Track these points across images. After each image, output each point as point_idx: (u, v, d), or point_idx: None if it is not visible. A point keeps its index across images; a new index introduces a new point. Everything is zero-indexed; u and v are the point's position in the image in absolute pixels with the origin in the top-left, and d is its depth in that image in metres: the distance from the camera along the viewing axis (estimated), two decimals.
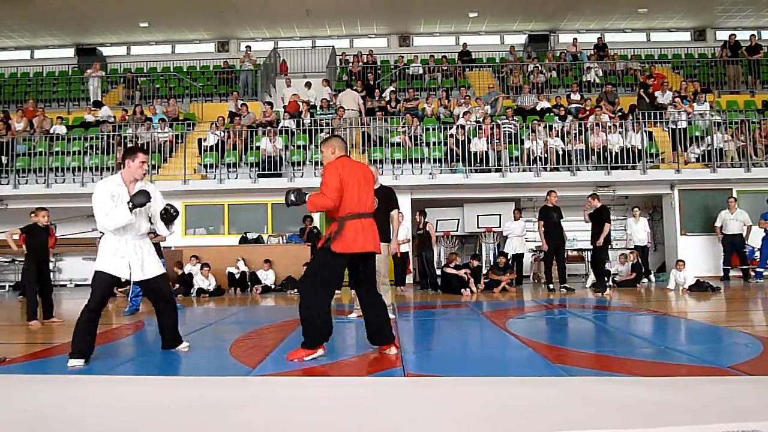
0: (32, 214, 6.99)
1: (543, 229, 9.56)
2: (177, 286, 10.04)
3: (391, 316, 6.22)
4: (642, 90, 13.88)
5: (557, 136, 11.88)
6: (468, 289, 9.36)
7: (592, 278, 10.35)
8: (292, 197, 4.04)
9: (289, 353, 4.07)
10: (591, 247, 9.41)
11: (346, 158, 4.16)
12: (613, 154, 11.58)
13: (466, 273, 9.62)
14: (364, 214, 4.03)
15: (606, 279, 9.22)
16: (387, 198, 5.99)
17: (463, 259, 10.67)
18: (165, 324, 4.45)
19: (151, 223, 4.42)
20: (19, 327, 6.67)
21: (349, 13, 16.89)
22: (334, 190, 3.91)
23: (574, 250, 12.37)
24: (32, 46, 18.54)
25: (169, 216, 4.42)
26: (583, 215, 9.44)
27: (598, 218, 9.02)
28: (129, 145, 12.31)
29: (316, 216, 11.53)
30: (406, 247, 10.69)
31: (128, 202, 4.00)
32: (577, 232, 11.95)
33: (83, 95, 15.96)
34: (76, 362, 3.94)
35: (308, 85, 14.79)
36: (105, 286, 4.15)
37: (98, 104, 14.49)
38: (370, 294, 4.25)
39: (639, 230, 11.05)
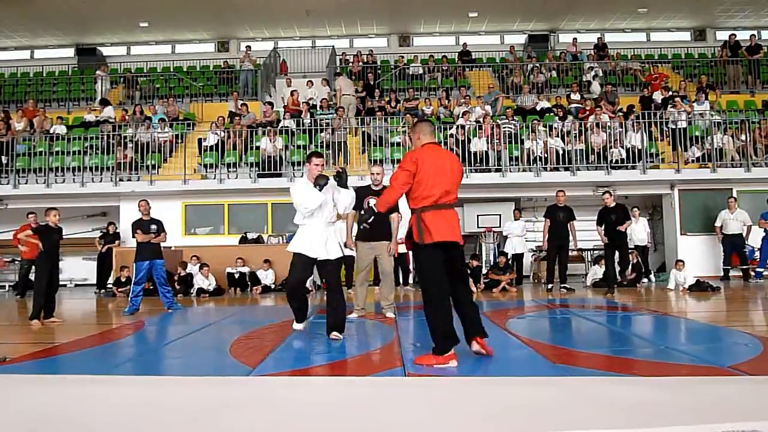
0: (44, 214, 7.03)
1: (547, 227, 9.56)
2: (177, 286, 10.05)
3: (390, 315, 6.22)
4: (645, 90, 13.88)
5: (557, 136, 11.88)
6: None
7: (592, 277, 10.36)
8: (366, 217, 4.17)
9: (418, 358, 3.87)
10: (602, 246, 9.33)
11: (432, 146, 3.99)
12: (614, 155, 11.60)
13: None
14: (444, 206, 3.84)
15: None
16: None
17: None
18: (329, 311, 4.95)
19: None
20: (19, 327, 6.67)
21: (349, 13, 16.88)
22: (399, 188, 3.84)
23: (574, 250, 12.34)
24: (32, 46, 18.52)
25: (341, 179, 4.97)
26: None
27: (622, 216, 9.08)
28: (129, 145, 12.35)
29: None
30: (404, 248, 10.67)
31: (314, 185, 4.81)
32: (577, 231, 11.91)
33: (83, 95, 15.97)
34: (297, 326, 5.26)
35: (310, 83, 14.79)
36: (301, 264, 4.98)
37: (105, 102, 14.43)
38: (458, 289, 3.95)
39: (639, 230, 11.03)
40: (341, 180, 4.95)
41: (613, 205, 9.24)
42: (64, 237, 7.16)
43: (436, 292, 3.77)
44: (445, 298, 3.79)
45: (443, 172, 3.85)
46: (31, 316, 6.56)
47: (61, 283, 12.56)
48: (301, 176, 5.15)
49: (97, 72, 15.83)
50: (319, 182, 4.83)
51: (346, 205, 5.07)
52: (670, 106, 12.58)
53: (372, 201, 5.26)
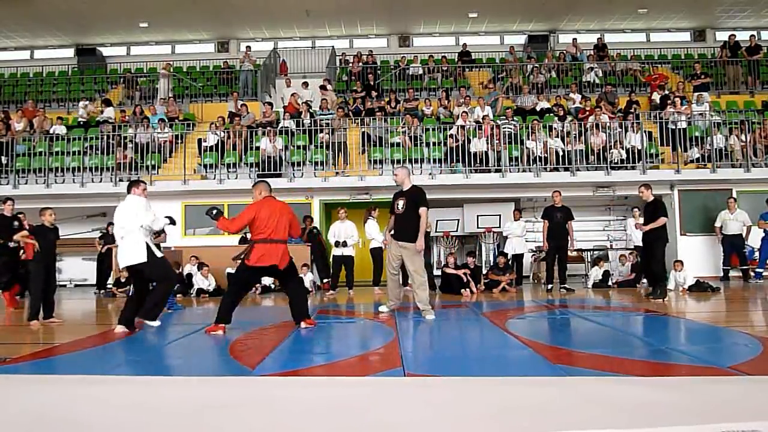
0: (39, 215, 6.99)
1: (546, 229, 9.57)
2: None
3: (430, 317, 6.19)
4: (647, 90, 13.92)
5: (557, 136, 11.88)
6: (468, 290, 9.35)
7: (593, 279, 10.34)
8: (213, 213, 5.58)
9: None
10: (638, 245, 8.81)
11: (269, 198, 5.68)
12: (614, 156, 11.60)
13: (465, 273, 9.62)
14: (275, 240, 5.47)
15: (665, 282, 8.20)
16: (416, 197, 6.33)
17: (461, 259, 10.65)
18: (148, 299, 5.86)
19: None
20: (19, 327, 6.67)
21: (349, 14, 16.89)
22: (240, 223, 5.56)
23: (574, 250, 12.33)
24: (32, 46, 18.53)
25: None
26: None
27: (653, 212, 7.98)
28: (129, 145, 12.36)
29: (315, 216, 11.66)
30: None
31: (168, 219, 5.99)
32: (576, 232, 11.90)
33: (83, 95, 15.96)
34: (120, 328, 5.64)
35: (305, 84, 14.78)
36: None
37: (108, 102, 14.39)
38: (289, 286, 5.76)
39: (638, 230, 11.02)
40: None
41: (651, 199, 8.18)
42: (63, 237, 7.13)
43: (235, 290, 5.73)
44: (239, 294, 5.73)
45: (275, 217, 5.48)
46: (29, 317, 6.55)
47: (61, 283, 12.67)
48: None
49: (161, 71, 15.49)
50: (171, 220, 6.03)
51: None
52: (669, 106, 12.57)
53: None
